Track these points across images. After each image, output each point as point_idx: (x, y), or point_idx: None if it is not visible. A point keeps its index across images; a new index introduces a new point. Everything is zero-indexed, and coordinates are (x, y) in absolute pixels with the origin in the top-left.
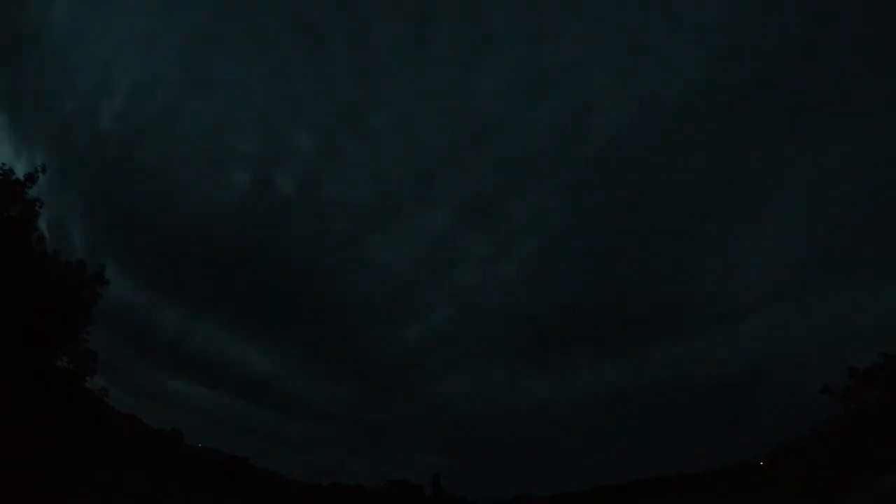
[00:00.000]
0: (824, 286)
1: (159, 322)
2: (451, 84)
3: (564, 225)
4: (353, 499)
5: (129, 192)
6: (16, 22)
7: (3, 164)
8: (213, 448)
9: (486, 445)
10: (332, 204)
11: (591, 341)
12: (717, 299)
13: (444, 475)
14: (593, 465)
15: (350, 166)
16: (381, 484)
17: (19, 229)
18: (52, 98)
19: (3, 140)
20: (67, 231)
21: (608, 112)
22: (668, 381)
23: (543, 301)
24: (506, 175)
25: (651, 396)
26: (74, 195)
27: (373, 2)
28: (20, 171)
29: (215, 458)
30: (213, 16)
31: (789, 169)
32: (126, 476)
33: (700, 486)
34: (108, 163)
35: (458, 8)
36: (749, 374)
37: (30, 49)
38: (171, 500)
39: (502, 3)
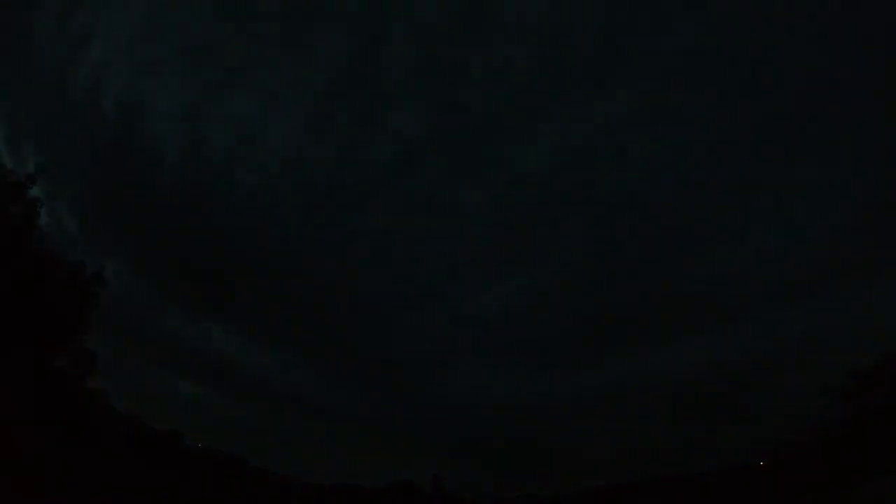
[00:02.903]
0: (826, 286)
1: (160, 321)
2: None
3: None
4: (353, 499)
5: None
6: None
7: (4, 165)
8: (213, 448)
9: (487, 445)
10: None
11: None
12: (717, 299)
13: (443, 475)
14: (593, 465)
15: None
16: (381, 484)
17: (19, 229)
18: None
19: None
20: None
21: None
22: (668, 382)
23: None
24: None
25: (651, 396)
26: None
27: None
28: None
29: (215, 458)
30: None
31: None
32: (126, 476)
33: (700, 486)
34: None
35: None
36: (749, 374)
37: None
38: (171, 500)
39: None
